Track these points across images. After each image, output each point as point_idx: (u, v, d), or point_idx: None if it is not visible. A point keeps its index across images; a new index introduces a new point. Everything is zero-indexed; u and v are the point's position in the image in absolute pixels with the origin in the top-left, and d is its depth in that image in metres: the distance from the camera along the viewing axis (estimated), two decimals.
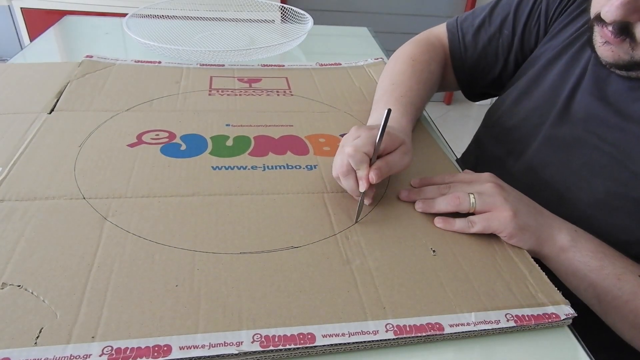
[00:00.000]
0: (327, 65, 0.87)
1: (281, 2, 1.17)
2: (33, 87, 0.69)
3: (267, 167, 0.55)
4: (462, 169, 0.57)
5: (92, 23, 1.07)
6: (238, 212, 0.47)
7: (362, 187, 0.46)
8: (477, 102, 2.65)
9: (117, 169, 0.52)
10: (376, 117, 0.60)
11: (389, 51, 1.03)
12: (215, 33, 1.01)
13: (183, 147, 0.57)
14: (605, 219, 0.50)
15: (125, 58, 0.82)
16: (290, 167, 0.55)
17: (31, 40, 1.22)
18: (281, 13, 1.08)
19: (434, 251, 0.44)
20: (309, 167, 0.55)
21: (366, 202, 0.49)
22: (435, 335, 0.37)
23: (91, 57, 0.80)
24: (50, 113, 0.62)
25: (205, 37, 0.98)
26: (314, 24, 0.97)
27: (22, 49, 0.95)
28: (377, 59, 0.91)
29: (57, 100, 0.65)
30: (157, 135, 0.59)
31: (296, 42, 0.93)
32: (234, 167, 0.54)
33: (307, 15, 1.00)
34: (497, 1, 0.68)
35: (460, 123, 2.48)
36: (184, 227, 0.45)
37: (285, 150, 0.58)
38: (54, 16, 1.13)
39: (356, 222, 0.47)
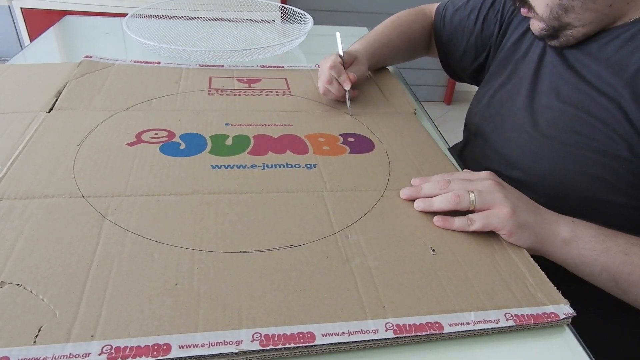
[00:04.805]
0: None
1: (281, 2, 1.17)
2: (32, 87, 0.69)
3: (267, 165, 0.55)
4: (457, 158, 0.60)
5: (92, 23, 1.07)
6: (237, 211, 0.47)
7: (348, 86, 0.68)
8: None
9: (116, 168, 0.52)
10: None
11: None
12: (215, 33, 1.01)
13: (182, 146, 0.57)
14: (578, 169, 0.55)
15: (125, 58, 0.82)
16: (289, 166, 0.55)
17: (31, 41, 1.22)
18: (281, 13, 1.08)
19: (433, 250, 0.44)
20: (308, 165, 0.55)
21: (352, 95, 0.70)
22: (435, 334, 0.37)
23: (90, 57, 0.80)
24: (49, 112, 0.62)
25: (205, 37, 0.98)
26: (314, 24, 0.97)
27: (22, 49, 0.96)
28: None
29: (56, 100, 0.65)
30: (156, 134, 0.59)
31: (296, 42, 0.93)
32: (233, 166, 0.54)
33: (307, 15, 1.00)
34: None
35: (460, 123, 2.47)
36: (183, 226, 0.45)
37: (284, 149, 0.58)
38: (54, 16, 1.13)
39: (351, 115, 0.69)
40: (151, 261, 0.40)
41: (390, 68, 0.88)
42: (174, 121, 0.62)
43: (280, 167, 0.55)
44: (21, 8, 1.54)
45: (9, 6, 1.55)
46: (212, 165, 0.54)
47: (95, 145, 0.56)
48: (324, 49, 1.03)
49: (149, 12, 1.00)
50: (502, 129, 0.65)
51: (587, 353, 0.38)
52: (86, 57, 0.79)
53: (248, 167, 0.54)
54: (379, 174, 0.55)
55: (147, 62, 0.80)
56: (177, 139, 0.58)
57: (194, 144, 0.58)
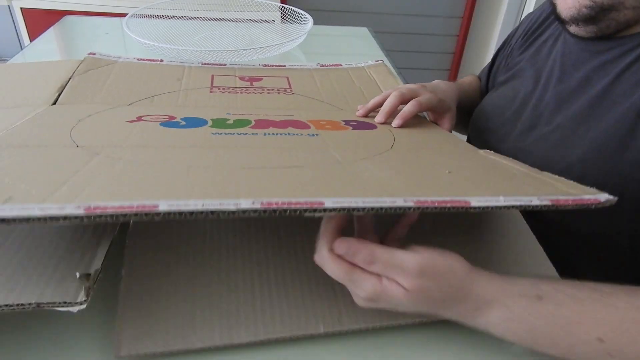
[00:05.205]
0: (327, 66, 0.87)
1: (281, 2, 1.18)
2: (35, 83, 0.69)
3: (269, 134, 0.54)
4: None
5: (92, 23, 1.08)
6: (237, 156, 0.46)
7: (397, 123, 0.61)
8: None
9: (115, 132, 0.51)
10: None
11: (389, 51, 1.03)
12: (215, 33, 1.02)
13: (183, 123, 0.57)
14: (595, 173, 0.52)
15: (128, 57, 0.82)
16: (292, 134, 0.54)
17: (31, 40, 1.22)
18: (281, 13, 1.09)
19: (449, 173, 0.43)
20: (310, 134, 0.55)
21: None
22: (460, 208, 0.33)
23: (94, 54, 0.80)
24: (52, 106, 0.62)
25: (205, 37, 0.99)
26: (314, 24, 0.97)
27: (22, 49, 0.96)
28: (378, 60, 0.91)
29: (59, 95, 0.65)
30: (157, 116, 0.59)
31: (296, 42, 0.93)
32: (234, 133, 0.54)
33: (307, 15, 1.01)
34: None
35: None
36: (179, 163, 0.43)
37: (286, 126, 0.58)
38: (54, 16, 1.13)
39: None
40: (143, 172, 0.39)
41: (390, 68, 0.88)
42: (174, 112, 0.62)
43: (282, 135, 0.54)
44: (21, 8, 1.54)
45: (8, 6, 1.55)
46: (212, 133, 0.53)
47: (95, 121, 0.55)
48: (324, 49, 1.04)
49: (149, 12, 1.01)
50: (511, 134, 0.65)
51: None
52: (90, 54, 0.80)
53: (250, 135, 0.53)
54: (384, 140, 0.55)
55: (150, 60, 0.81)
56: (177, 120, 0.58)
57: (194, 122, 0.57)
